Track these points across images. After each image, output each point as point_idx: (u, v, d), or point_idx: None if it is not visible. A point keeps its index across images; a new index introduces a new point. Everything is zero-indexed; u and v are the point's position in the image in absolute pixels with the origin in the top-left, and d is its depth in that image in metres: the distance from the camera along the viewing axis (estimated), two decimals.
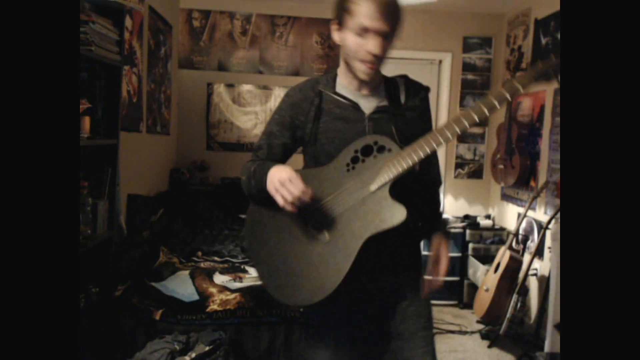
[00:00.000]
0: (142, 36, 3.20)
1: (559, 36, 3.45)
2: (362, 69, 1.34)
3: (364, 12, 1.27)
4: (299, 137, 1.46)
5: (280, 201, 1.28)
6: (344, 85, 1.43)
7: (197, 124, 4.37)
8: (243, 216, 3.98)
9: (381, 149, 1.29)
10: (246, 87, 4.39)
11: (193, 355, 1.93)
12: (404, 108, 1.42)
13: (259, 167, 1.43)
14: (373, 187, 1.29)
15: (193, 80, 4.34)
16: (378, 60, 1.32)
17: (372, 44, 1.29)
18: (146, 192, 3.39)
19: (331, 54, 4.42)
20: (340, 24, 1.35)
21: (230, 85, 4.37)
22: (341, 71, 1.46)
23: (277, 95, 4.42)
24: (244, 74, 4.38)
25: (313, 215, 1.34)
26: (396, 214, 1.26)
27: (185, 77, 4.33)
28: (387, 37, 1.31)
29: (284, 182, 1.29)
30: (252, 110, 4.43)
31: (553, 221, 3.12)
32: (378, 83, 1.43)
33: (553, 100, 3.47)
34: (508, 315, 3.18)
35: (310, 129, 1.41)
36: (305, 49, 4.41)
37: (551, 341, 2.79)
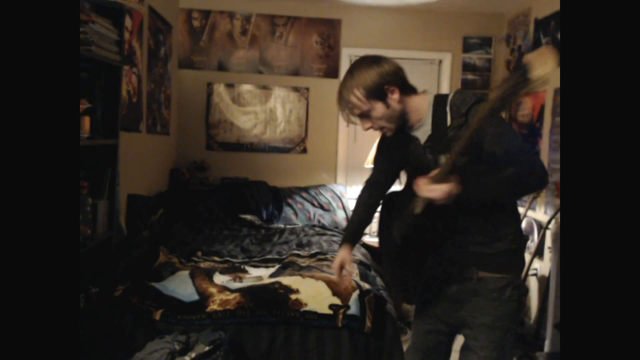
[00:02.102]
0: (142, 36, 3.20)
1: (559, 36, 3.45)
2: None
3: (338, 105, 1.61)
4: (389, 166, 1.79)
5: None
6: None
7: (197, 124, 4.37)
8: (243, 216, 4.00)
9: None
10: (246, 87, 4.39)
11: (193, 355, 1.92)
12: (449, 130, 1.50)
13: (349, 223, 1.95)
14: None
15: (193, 80, 4.34)
16: (379, 128, 1.59)
17: (361, 124, 1.61)
18: (146, 192, 3.39)
19: (331, 54, 4.42)
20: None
21: (230, 85, 4.37)
22: None
23: (277, 95, 4.42)
24: (243, 74, 4.39)
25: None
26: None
27: (185, 77, 4.33)
28: (367, 116, 1.56)
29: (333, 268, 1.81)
30: (252, 110, 4.43)
31: (553, 221, 3.12)
32: (420, 114, 1.57)
33: (553, 100, 3.47)
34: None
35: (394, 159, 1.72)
36: (305, 49, 4.41)
37: (551, 341, 2.79)
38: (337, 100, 1.58)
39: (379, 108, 1.52)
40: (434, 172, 1.36)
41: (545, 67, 1.05)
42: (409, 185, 1.60)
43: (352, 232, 1.85)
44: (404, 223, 1.50)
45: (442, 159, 1.42)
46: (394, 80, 1.51)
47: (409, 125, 1.58)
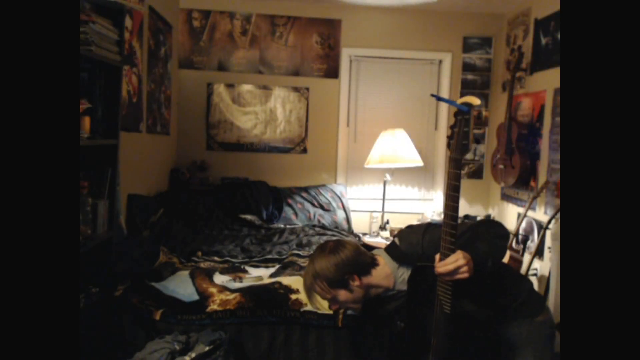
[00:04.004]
0: (142, 36, 3.20)
1: (559, 36, 3.45)
2: None
3: None
4: None
5: None
6: None
7: (197, 124, 4.37)
8: (243, 216, 4.00)
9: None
10: (246, 87, 4.39)
11: (193, 355, 1.92)
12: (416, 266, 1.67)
13: None
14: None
15: (193, 80, 4.34)
16: (349, 309, 1.83)
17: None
18: (146, 192, 3.39)
19: (331, 54, 4.42)
20: None
21: (230, 85, 4.37)
22: None
23: (277, 95, 4.42)
24: (244, 74, 4.39)
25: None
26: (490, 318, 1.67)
27: (185, 77, 4.33)
28: (331, 300, 1.76)
29: None
30: (252, 110, 4.43)
31: (553, 221, 3.12)
32: (386, 284, 1.76)
33: (553, 100, 3.47)
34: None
35: None
36: (305, 49, 4.41)
37: None
38: (303, 288, 1.77)
39: (342, 294, 1.71)
40: (437, 257, 1.47)
41: (474, 100, 1.36)
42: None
43: None
44: (439, 342, 1.55)
45: (443, 235, 1.47)
46: (352, 268, 1.68)
47: (384, 293, 1.73)
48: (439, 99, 1.53)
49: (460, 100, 1.39)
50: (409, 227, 1.77)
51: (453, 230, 1.42)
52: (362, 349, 2.05)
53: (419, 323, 1.63)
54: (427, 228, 1.68)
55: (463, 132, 1.38)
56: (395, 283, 1.72)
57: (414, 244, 1.66)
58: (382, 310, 1.79)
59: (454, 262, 1.42)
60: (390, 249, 1.75)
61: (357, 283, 1.69)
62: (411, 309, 1.67)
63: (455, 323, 1.53)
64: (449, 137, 1.42)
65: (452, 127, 1.41)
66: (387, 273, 1.72)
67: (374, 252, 1.81)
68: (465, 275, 1.41)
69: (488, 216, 4.48)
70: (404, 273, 1.70)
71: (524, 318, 1.67)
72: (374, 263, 1.73)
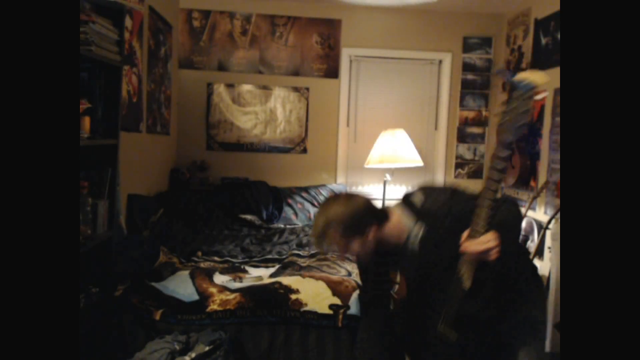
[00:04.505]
0: (142, 36, 3.20)
1: (559, 36, 3.45)
2: None
3: None
4: None
5: None
6: None
7: (197, 124, 4.37)
8: (243, 216, 3.99)
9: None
10: (246, 87, 4.39)
11: (193, 355, 1.92)
12: (433, 228, 1.59)
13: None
14: (466, 286, 1.51)
15: (193, 80, 4.34)
16: (357, 257, 1.72)
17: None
18: (146, 192, 3.39)
19: (331, 54, 4.42)
20: None
21: (230, 85, 4.37)
22: None
23: (277, 95, 4.42)
24: (244, 74, 4.39)
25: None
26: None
27: (185, 77, 4.33)
28: (344, 253, 1.69)
29: None
30: (252, 110, 4.43)
31: (553, 221, 3.12)
32: (398, 233, 1.65)
33: (553, 100, 3.47)
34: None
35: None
36: (305, 49, 4.41)
37: (551, 341, 2.78)
38: (313, 235, 1.64)
39: (356, 244, 1.58)
40: (466, 233, 1.39)
41: (540, 77, 1.20)
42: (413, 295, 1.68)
43: None
44: (451, 311, 1.51)
45: (478, 210, 1.39)
46: (369, 216, 1.59)
47: (393, 248, 1.64)
48: (500, 72, 1.43)
49: (521, 75, 1.24)
50: (431, 186, 1.67)
51: (491, 211, 1.34)
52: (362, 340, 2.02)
53: (424, 287, 1.59)
54: (454, 193, 1.59)
55: (522, 112, 1.25)
56: (408, 239, 1.61)
57: (441, 204, 1.55)
58: (384, 268, 1.72)
59: (486, 243, 1.34)
60: (409, 203, 1.63)
61: (372, 232, 1.57)
62: (420, 272, 1.60)
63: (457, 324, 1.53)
64: (503, 113, 1.30)
65: (507, 104, 1.28)
66: (401, 228, 1.61)
67: (392, 205, 1.71)
68: (494, 257, 1.35)
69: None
70: (420, 231, 1.59)
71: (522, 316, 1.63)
72: (389, 215, 1.63)
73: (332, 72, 4.44)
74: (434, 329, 1.57)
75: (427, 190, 1.64)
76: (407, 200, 1.66)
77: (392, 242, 1.63)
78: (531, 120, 3.74)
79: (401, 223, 1.62)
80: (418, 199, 1.62)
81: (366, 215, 1.58)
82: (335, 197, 1.67)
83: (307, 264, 2.77)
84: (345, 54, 4.42)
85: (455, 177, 4.56)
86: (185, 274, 2.53)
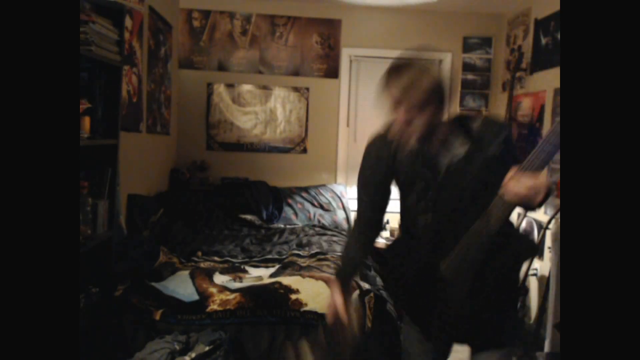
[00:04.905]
0: (142, 36, 3.20)
1: (559, 36, 3.45)
2: (399, 136, 1.45)
3: (384, 84, 1.45)
4: (386, 190, 1.61)
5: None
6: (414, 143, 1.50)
7: (197, 124, 4.37)
8: (243, 216, 3.99)
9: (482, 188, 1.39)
10: (246, 87, 4.39)
11: (193, 355, 1.92)
12: (477, 156, 1.40)
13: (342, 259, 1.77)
14: (492, 230, 1.36)
15: (193, 80, 4.34)
16: (406, 129, 1.39)
17: (393, 114, 1.41)
18: (146, 192, 3.39)
19: (331, 54, 4.42)
20: None
21: (230, 85, 4.37)
22: None
23: (277, 95, 4.42)
24: (244, 74, 4.38)
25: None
26: (528, 249, 1.56)
27: (185, 77, 4.33)
28: (403, 103, 1.38)
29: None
30: (252, 110, 4.43)
31: (553, 221, 3.12)
32: (448, 134, 1.45)
33: (553, 100, 3.47)
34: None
35: (394, 178, 1.55)
36: (305, 49, 4.41)
37: (551, 341, 2.78)
38: (395, 63, 1.43)
39: (424, 115, 1.38)
40: (513, 171, 1.24)
41: None
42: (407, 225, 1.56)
43: (349, 273, 1.69)
44: (463, 251, 1.38)
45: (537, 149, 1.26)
46: (445, 94, 1.41)
47: (429, 143, 1.45)
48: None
49: None
50: (494, 120, 1.50)
51: (555, 149, 1.24)
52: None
53: (438, 218, 1.43)
54: (509, 134, 1.46)
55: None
56: (445, 153, 1.44)
57: (495, 133, 1.41)
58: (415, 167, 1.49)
59: (536, 185, 1.21)
60: (465, 124, 1.47)
61: (441, 110, 1.40)
62: (439, 197, 1.44)
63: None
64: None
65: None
66: (447, 138, 1.44)
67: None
68: (537, 202, 1.23)
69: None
70: (461, 152, 1.42)
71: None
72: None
73: (332, 72, 4.44)
74: (433, 270, 1.43)
75: (489, 122, 1.48)
76: (463, 119, 1.49)
77: (431, 147, 1.44)
78: (531, 120, 3.74)
79: (448, 134, 1.45)
80: (476, 125, 1.45)
81: (446, 95, 1.40)
82: (426, 60, 1.48)
83: (307, 264, 2.77)
84: (345, 54, 4.42)
85: None
86: (185, 274, 2.53)
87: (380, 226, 1.70)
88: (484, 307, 1.43)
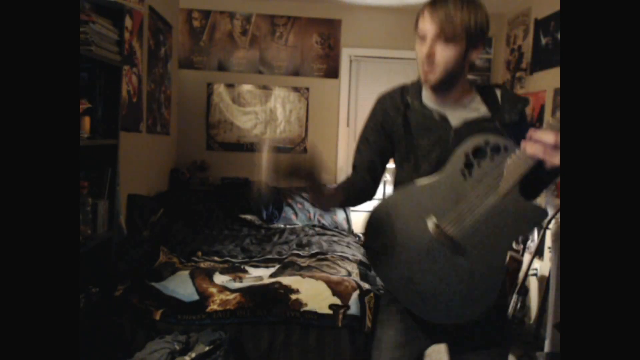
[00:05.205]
0: (142, 36, 3.20)
1: (559, 36, 3.45)
2: (422, 73, 1.35)
3: (420, 17, 1.35)
4: (390, 146, 1.46)
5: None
6: (429, 96, 1.42)
7: (197, 124, 4.38)
8: (243, 216, 3.99)
9: (496, 149, 1.23)
10: (246, 87, 4.39)
11: (193, 355, 1.93)
12: (497, 122, 1.34)
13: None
14: (502, 191, 1.21)
15: (193, 80, 4.34)
16: (431, 64, 1.31)
17: (424, 47, 1.32)
18: (146, 192, 3.39)
19: (331, 54, 4.42)
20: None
21: (230, 85, 4.37)
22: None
23: (277, 95, 4.42)
24: (244, 74, 4.39)
25: (442, 234, 1.26)
26: (537, 213, 1.23)
27: (185, 77, 4.33)
28: (444, 39, 1.28)
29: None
30: (252, 110, 4.43)
31: (553, 221, 3.12)
32: (467, 93, 1.39)
33: (553, 100, 3.47)
34: (508, 315, 3.19)
35: (399, 138, 1.41)
36: (305, 49, 4.41)
37: (551, 341, 2.78)
38: (433, 3, 1.33)
39: (454, 51, 1.29)
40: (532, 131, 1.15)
41: None
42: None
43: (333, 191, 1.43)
44: (463, 215, 1.22)
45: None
46: (482, 36, 1.31)
47: (446, 94, 1.36)
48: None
49: None
50: (516, 96, 1.43)
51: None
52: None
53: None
54: (525, 108, 1.41)
55: None
56: (460, 104, 1.38)
57: (513, 103, 1.36)
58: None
59: (558, 140, 1.12)
60: (479, 84, 1.42)
61: (477, 56, 1.33)
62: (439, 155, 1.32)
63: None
64: None
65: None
66: (464, 89, 1.38)
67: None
68: (554, 159, 1.15)
69: None
70: (474, 111, 1.37)
71: None
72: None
73: (332, 72, 4.44)
74: (422, 236, 1.27)
75: (507, 91, 1.42)
76: (479, 85, 1.44)
77: (447, 100, 1.37)
78: (531, 120, 3.74)
79: (465, 93, 1.38)
80: (493, 92, 1.41)
81: (482, 38, 1.30)
82: None
83: (307, 264, 2.77)
84: (345, 54, 4.42)
85: None
86: (185, 274, 2.53)
87: (378, 181, 1.55)
88: (479, 283, 1.27)
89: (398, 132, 1.41)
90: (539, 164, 1.19)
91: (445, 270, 1.27)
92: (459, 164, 1.26)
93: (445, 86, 1.35)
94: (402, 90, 1.47)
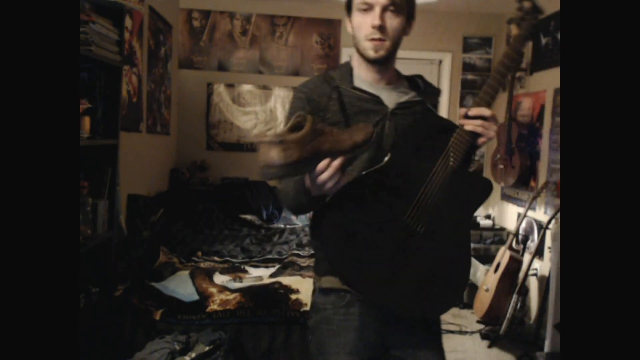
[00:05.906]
0: (142, 36, 3.20)
1: (559, 36, 3.45)
2: (368, 46, 1.32)
3: None
4: None
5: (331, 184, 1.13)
6: (362, 79, 1.39)
7: (197, 124, 4.37)
8: (243, 216, 3.99)
9: (440, 129, 1.29)
10: (246, 87, 4.39)
11: (193, 355, 1.93)
12: (422, 103, 1.37)
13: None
14: (452, 168, 1.24)
15: (193, 80, 4.34)
16: (382, 33, 1.29)
17: (373, 17, 1.27)
18: (146, 192, 3.39)
19: (331, 54, 4.42)
20: (349, 10, 1.36)
21: (230, 85, 4.37)
22: (356, 63, 1.42)
23: (277, 95, 4.42)
24: (244, 74, 4.39)
25: (405, 218, 1.22)
26: (484, 183, 1.29)
27: (185, 77, 4.33)
28: (393, 10, 1.27)
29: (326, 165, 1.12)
30: (252, 110, 4.43)
31: (553, 221, 3.12)
32: (397, 77, 1.40)
33: (553, 100, 3.47)
34: (508, 315, 3.18)
35: (335, 125, 1.30)
36: (305, 49, 4.41)
37: (551, 341, 2.78)
38: None
39: (404, 24, 1.31)
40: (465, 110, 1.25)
41: None
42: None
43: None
44: (428, 196, 1.21)
45: (488, 84, 1.27)
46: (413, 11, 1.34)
47: (380, 77, 1.35)
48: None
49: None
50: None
51: (498, 85, 1.27)
52: None
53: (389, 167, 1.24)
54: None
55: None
56: (392, 85, 1.38)
57: (435, 91, 1.45)
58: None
59: (493, 113, 1.22)
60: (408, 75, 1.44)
61: (410, 27, 1.35)
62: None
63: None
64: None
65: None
66: (394, 71, 1.40)
67: None
68: (491, 136, 1.24)
69: (488, 216, 4.48)
70: (403, 94, 1.38)
71: None
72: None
73: None
74: (395, 221, 1.21)
75: (426, 80, 1.47)
76: (410, 75, 1.46)
77: (383, 79, 1.36)
78: (531, 120, 3.74)
79: (396, 76, 1.39)
80: (415, 78, 1.43)
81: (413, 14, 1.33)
82: None
83: (307, 264, 2.77)
84: (345, 54, 4.42)
85: None
86: (185, 274, 2.53)
87: None
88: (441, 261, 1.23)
89: (332, 118, 1.32)
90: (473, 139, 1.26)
91: (415, 255, 1.22)
92: (408, 146, 1.26)
93: (390, 61, 1.35)
94: (325, 77, 1.42)
